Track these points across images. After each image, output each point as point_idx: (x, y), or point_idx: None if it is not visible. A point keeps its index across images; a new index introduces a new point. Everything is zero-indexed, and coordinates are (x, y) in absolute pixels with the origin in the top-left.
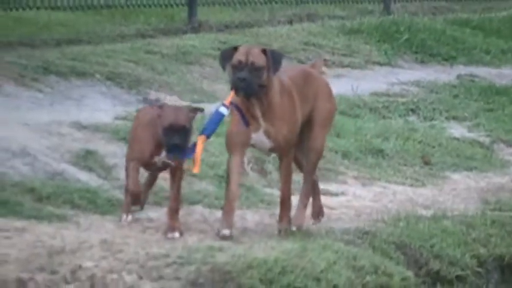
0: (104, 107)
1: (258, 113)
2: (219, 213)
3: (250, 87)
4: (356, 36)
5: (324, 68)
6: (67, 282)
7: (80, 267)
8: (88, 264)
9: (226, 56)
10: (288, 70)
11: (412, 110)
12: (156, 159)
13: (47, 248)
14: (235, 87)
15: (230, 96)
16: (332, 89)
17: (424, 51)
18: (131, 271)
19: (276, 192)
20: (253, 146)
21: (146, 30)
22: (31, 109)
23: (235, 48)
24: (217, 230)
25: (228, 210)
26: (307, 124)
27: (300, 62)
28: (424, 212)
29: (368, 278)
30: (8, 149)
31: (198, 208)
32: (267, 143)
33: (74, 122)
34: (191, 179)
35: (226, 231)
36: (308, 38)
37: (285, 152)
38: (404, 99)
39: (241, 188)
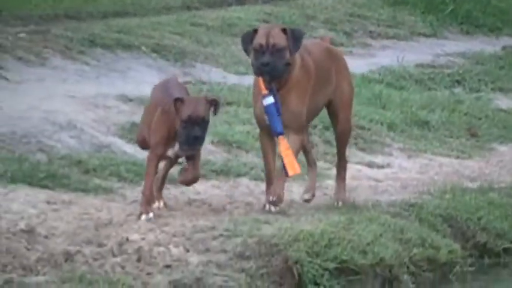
0: (149, 79)
1: (275, 86)
2: (264, 186)
3: (275, 70)
4: (401, 7)
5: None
6: (114, 255)
7: (127, 239)
8: (135, 236)
9: (247, 39)
10: (310, 47)
11: (458, 82)
12: (170, 152)
13: (94, 221)
14: (260, 72)
15: (261, 83)
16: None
17: (470, 22)
18: (178, 244)
19: (322, 164)
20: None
21: (192, 2)
22: (77, 82)
23: (255, 31)
24: (263, 204)
25: (269, 183)
26: (332, 107)
27: (346, 33)
28: (470, 184)
29: (415, 250)
30: (54, 122)
31: (244, 180)
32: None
33: (120, 94)
34: (237, 151)
35: (271, 198)
36: (353, 10)
37: (292, 127)
38: (449, 71)
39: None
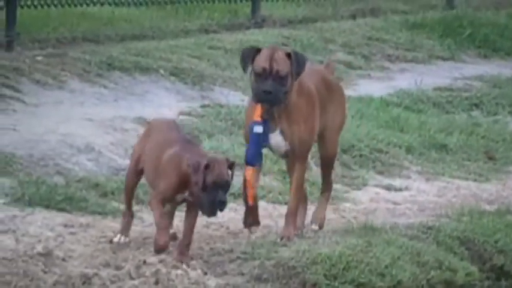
0: (167, 103)
1: (276, 113)
2: (283, 209)
3: (276, 98)
4: (419, 30)
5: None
6: (131, 278)
7: (145, 262)
8: (152, 259)
9: (248, 57)
10: (310, 74)
11: (476, 105)
12: (179, 197)
13: (112, 244)
14: (260, 99)
15: (258, 110)
16: (346, 97)
17: (487, 46)
18: (195, 267)
19: (340, 187)
20: (269, 147)
21: (210, 25)
22: (95, 105)
23: (258, 51)
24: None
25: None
26: (322, 132)
27: (364, 56)
28: (488, 207)
29: (432, 273)
30: (72, 145)
31: (262, 203)
32: (282, 145)
33: (138, 117)
34: None
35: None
36: (371, 33)
37: (301, 155)
38: (467, 94)
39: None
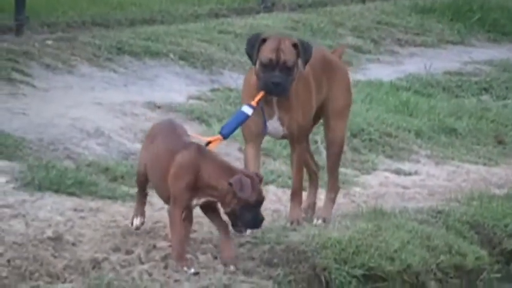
0: (177, 87)
1: (273, 100)
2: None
3: (285, 89)
4: (429, 15)
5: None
6: (141, 262)
7: (154, 247)
8: (162, 244)
9: (254, 45)
10: None
11: (485, 89)
12: (195, 202)
13: (121, 228)
14: (268, 90)
15: (258, 96)
16: (350, 79)
17: (497, 30)
18: (205, 251)
19: (350, 172)
20: (268, 133)
21: (219, 9)
22: (105, 89)
23: (264, 40)
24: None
25: None
26: (324, 115)
27: (373, 41)
28: (497, 191)
29: (442, 257)
30: (82, 129)
31: (272, 188)
32: (280, 130)
33: (148, 102)
34: (265, 159)
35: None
36: (381, 17)
37: (298, 139)
38: (477, 78)
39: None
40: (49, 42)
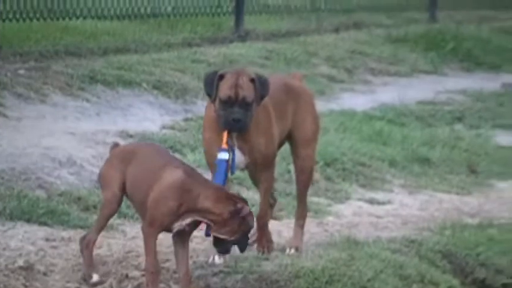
0: (150, 116)
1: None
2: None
3: (245, 125)
4: (402, 44)
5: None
6: None
7: (127, 276)
8: (135, 273)
9: (211, 82)
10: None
11: (458, 119)
12: (176, 225)
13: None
14: (230, 127)
15: (225, 137)
16: (315, 104)
17: (470, 60)
18: (178, 280)
19: (323, 201)
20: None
21: (193, 39)
22: (77, 119)
23: (221, 76)
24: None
25: None
26: (292, 143)
27: (347, 70)
28: (470, 221)
29: (415, 286)
30: (54, 159)
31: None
32: (242, 160)
33: (121, 131)
34: (238, 188)
35: (217, 259)
36: (355, 47)
37: (264, 166)
38: (450, 108)
39: (288, 196)
40: (21, 71)
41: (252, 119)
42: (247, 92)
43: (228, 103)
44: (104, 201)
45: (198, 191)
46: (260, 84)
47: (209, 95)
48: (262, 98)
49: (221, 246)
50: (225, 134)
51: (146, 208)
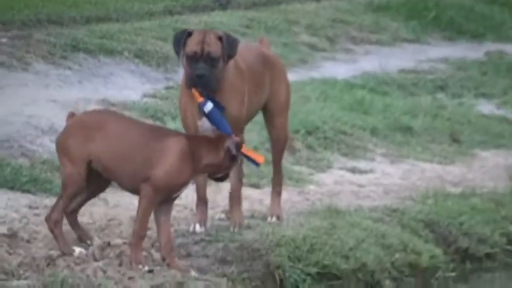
0: (132, 85)
1: (204, 94)
2: (248, 191)
3: (209, 81)
4: (384, 13)
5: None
6: (96, 259)
7: (109, 244)
8: (117, 241)
9: (180, 41)
10: (243, 52)
11: (441, 87)
12: (179, 191)
13: None
14: (194, 83)
15: (195, 93)
16: (286, 72)
17: (452, 28)
18: (160, 248)
19: (305, 170)
20: (203, 130)
21: (174, 7)
22: (60, 87)
23: (189, 34)
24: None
25: (199, 199)
26: (266, 112)
27: (328, 39)
28: (452, 190)
29: (397, 255)
30: (37, 127)
31: (226, 185)
32: (210, 125)
33: (102, 99)
34: None
35: (198, 228)
36: (336, 15)
37: (234, 132)
38: (432, 77)
39: (269, 165)
40: (4, 40)
41: (219, 77)
42: (213, 47)
43: (194, 59)
44: (67, 178)
45: (200, 151)
46: (228, 43)
47: (177, 52)
48: (229, 57)
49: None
50: (194, 91)
51: (141, 179)
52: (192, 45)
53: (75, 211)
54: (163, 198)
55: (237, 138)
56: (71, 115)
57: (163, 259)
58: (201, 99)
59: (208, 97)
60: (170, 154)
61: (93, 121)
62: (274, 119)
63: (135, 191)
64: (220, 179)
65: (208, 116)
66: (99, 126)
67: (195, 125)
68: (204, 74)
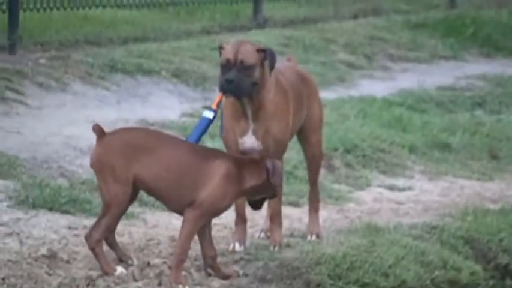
0: (170, 104)
1: (249, 112)
2: (287, 210)
3: (239, 88)
4: (421, 30)
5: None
6: (135, 280)
7: (148, 264)
8: (156, 261)
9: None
10: (283, 71)
11: (479, 104)
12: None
13: None
14: (223, 89)
15: (217, 98)
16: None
17: (490, 45)
18: (199, 268)
19: (344, 188)
20: (243, 151)
21: (212, 27)
22: (98, 107)
23: (221, 48)
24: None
25: (238, 217)
26: (301, 130)
27: (366, 56)
28: (491, 206)
29: (437, 272)
30: (75, 147)
31: (264, 204)
32: (255, 146)
33: (141, 119)
34: None
35: (237, 246)
36: (373, 33)
37: (275, 154)
38: (470, 93)
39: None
40: (42, 61)
41: (253, 86)
42: (247, 56)
43: (227, 66)
44: (113, 199)
45: (243, 173)
46: (270, 54)
47: None
48: (272, 68)
49: (255, 204)
50: (219, 96)
51: (187, 201)
52: (225, 54)
53: (113, 230)
54: (207, 221)
55: (278, 161)
56: (98, 128)
57: (212, 268)
58: (214, 106)
59: (216, 112)
60: (217, 177)
61: (136, 140)
62: (310, 136)
63: (180, 212)
64: (258, 207)
65: (202, 118)
66: (145, 147)
67: (236, 142)
68: (233, 79)
